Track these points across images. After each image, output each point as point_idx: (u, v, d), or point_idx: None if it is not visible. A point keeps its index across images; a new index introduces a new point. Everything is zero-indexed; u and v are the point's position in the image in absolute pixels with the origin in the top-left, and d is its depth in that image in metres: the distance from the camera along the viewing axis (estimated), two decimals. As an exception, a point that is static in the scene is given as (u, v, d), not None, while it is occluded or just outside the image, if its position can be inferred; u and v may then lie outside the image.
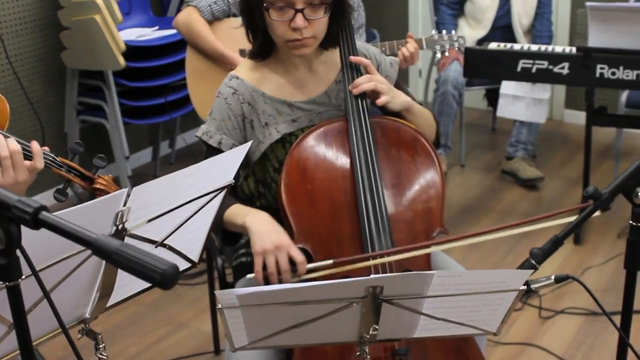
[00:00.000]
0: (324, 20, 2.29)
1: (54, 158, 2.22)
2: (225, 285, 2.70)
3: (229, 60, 3.71)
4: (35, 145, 2.11)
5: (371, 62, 2.40)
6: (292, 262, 2.16)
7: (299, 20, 2.23)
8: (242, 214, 2.25)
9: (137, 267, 1.13)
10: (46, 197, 4.39)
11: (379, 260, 2.17)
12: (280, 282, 2.13)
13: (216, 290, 3.19)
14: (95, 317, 1.80)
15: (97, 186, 2.29)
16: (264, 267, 2.15)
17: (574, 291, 3.76)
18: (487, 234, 2.13)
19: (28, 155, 2.10)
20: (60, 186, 2.25)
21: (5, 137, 2.07)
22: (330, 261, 2.17)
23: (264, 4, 2.26)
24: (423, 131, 2.43)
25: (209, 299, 3.39)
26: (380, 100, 2.34)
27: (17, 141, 2.08)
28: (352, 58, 2.38)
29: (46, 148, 2.19)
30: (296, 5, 2.23)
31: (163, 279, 1.11)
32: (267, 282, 2.15)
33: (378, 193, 2.24)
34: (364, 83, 2.34)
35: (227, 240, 2.44)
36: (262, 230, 2.18)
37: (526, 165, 5.09)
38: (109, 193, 2.23)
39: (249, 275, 2.19)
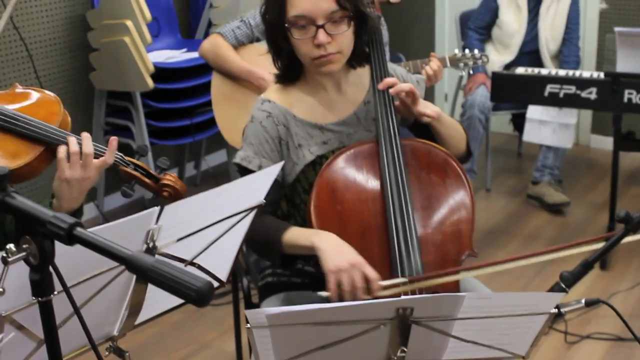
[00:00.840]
0: (347, 34, 2.28)
1: (122, 157, 2.25)
2: (250, 305, 2.69)
3: (257, 76, 3.71)
4: (113, 142, 2.16)
5: (398, 81, 2.39)
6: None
7: (322, 36, 2.23)
8: (306, 235, 2.23)
9: (172, 284, 1.13)
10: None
11: (455, 277, 2.18)
12: (355, 300, 2.10)
13: (241, 310, 3.20)
14: (123, 335, 1.80)
15: (165, 182, 2.30)
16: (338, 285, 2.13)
17: (601, 316, 3.73)
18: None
19: (99, 154, 2.15)
20: (128, 184, 2.28)
21: (79, 141, 2.12)
22: (405, 278, 2.16)
23: (286, 25, 2.26)
24: (454, 141, 2.44)
25: (234, 319, 3.38)
26: (416, 95, 2.32)
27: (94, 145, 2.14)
28: (379, 85, 2.36)
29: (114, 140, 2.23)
30: (317, 21, 2.23)
31: (198, 296, 1.11)
32: (341, 300, 2.12)
33: (408, 215, 2.23)
34: (400, 83, 2.33)
35: (284, 263, 2.42)
36: (334, 249, 2.16)
37: (552, 190, 5.07)
38: (176, 189, 2.27)
39: (323, 294, 2.15)
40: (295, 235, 2.26)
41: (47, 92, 2.29)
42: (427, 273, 2.18)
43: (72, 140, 2.11)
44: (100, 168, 2.14)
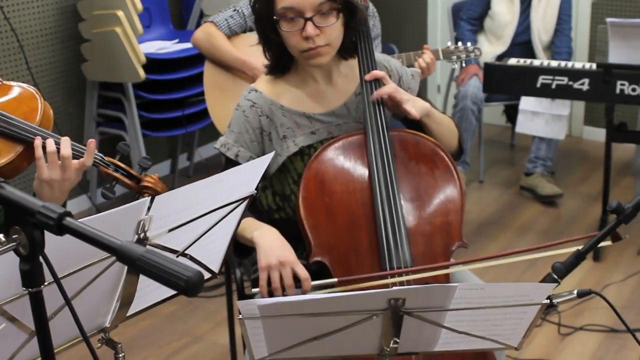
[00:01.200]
0: (336, 26, 2.27)
1: (102, 157, 2.24)
2: (244, 297, 2.68)
3: (251, 66, 3.70)
4: (91, 145, 2.13)
5: (387, 74, 2.39)
6: (297, 279, 2.16)
7: (310, 28, 2.22)
8: (252, 228, 2.25)
9: (162, 274, 1.13)
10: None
11: (389, 280, 2.17)
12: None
13: (234, 302, 3.20)
14: (115, 327, 1.79)
15: (145, 184, 2.29)
16: (269, 282, 2.16)
17: (593, 308, 3.73)
18: (507, 257, 2.12)
19: (78, 155, 2.13)
20: (108, 185, 2.26)
21: (57, 142, 2.10)
22: (335, 280, 2.17)
23: (274, 17, 2.26)
24: (445, 138, 2.43)
25: (227, 311, 3.37)
26: (396, 99, 2.32)
27: (73, 145, 2.12)
28: (367, 76, 2.37)
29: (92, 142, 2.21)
30: (305, 13, 2.22)
31: (188, 285, 1.11)
32: (271, 297, 2.15)
33: (396, 206, 2.23)
34: (383, 88, 2.34)
35: (238, 252, 2.44)
36: (268, 245, 2.19)
37: (545, 181, 5.07)
38: (156, 190, 2.26)
39: (254, 290, 2.20)
40: (245, 226, 2.27)
41: (26, 86, 2.27)
42: (356, 275, 2.19)
43: (50, 141, 2.09)
44: (80, 170, 2.12)
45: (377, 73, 2.36)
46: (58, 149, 2.08)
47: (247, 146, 2.36)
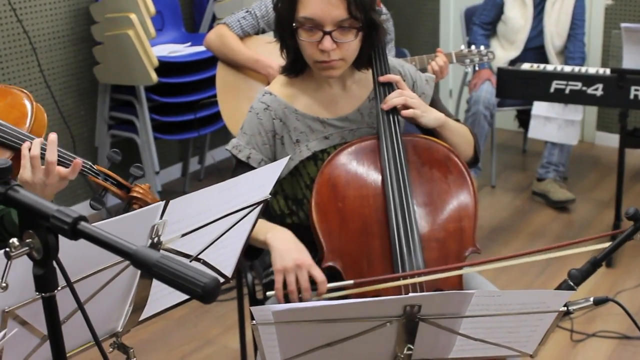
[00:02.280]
0: (353, 43, 2.26)
1: (91, 166, 2.22)
2: (255, 301, 2.67)
3: (265, 65, 3.69)
4: (77, 161, 2.11)
5: (402, 79, 2.38)
6: (312, 282, 2.14)
7: (327, 42, 2.21)
8: (264, 230, 2.23)
9: (178, 280, 1.11)
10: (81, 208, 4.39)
11: (403, 282, 2.15)
12: (300, 300, 2.12)
13: (245, 306, 3.19)
14: (127, 331, 1.78)
15: (134, 194, 2.27)
16: (285, 285, 2.14)
17: (606, 314, 3.71)
18: (520, 257, 2.10)
19: (65, 163, 2.11)
20: (97, 195, 2.24)
21: (44, 145, 2.09)
22: (351, 281, 2.15)
23: (294, 24, 2.25)
24: (460, 148, 2.41)
25: (238, 315, 3.36)
26: (408, 113, 2.30)
27: (60, 151, 2.10)
28: (381, 78, 2.36)
29: (81, 161, 2.19)
30: (325, 27, 2.21)
31: (205, 292, 1.09)
32: (286, 300, 2.13)
33: (409, 211, 2.21)
34: (393, 98, 2.32)
35: (247, 255, 2.42)
36: (284, 247, 2.17)
37: (557, 187, 5.05)
38: (146, 202, 2.24)
39: (269, 293, 2.18)
40: (257, 228, 2.23)
41: (19, 90, 2.25)
42: (373, 277, 2.17)
43: (36, 142, 2.07)
44: (63, 179, 2.09)
45: (391, 77, 2.35)
46: (43, 155, 2.06)
47: (259, 149, 2.35)
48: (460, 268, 2.23)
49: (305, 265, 2.13)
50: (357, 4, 2.19)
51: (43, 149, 2.07)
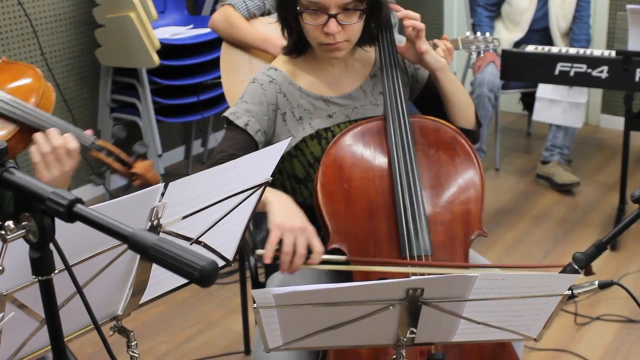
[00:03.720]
0: (358, 24, 2.26)
1: (93, 141, 2.20)
2: (258, 284, 2.66)
3: (274, 44, 3.65)
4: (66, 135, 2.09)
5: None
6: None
7: (332, 25, 2.20)
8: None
9: (175, 263, 1.09)
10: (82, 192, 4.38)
11: (398, 269, 2.13)
12: (290, 264, 2.05)
13: (248, 289, 3.18)
14: (127, 314, 1.76)
15: (135, 171, 2.25)
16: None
17: (611, 297, 3.70)
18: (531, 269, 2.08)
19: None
20: (99, 170, 2.23)
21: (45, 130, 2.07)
22: (344, 257, 2.12)
23: (298, 8, 2.23)
24: (460, 104, 2.42)
25: (240, 298, 3.36)
26: (420, 44, 2.33)
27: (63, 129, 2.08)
28: (399, 14, 2.36)
29: (89, 131, 2.18)
30: (329, 10, 2.20)
31: (202, 275, 1.07)
32: (274, 260, 2.05)
33: (416, 193, 2.19)
34: (417, 20, 2.33)
35: None
36: (288, 208, 2.11)
37: (562, 169, 5.03)
38: (146, 178, 2.21)
39: (258, 251, 2.07)
40: None
41: (30, 66, 2.23)
42: (367, 257, 2.15)
43: (40, 138, 2.04)
44: (73, 155, 2.07)
45: (410, 13, 2.35)
46: (50, 147, 2.03)
47: (258, 119, 2.32)
48: (465, 267, 2.21)
49: (309, 231, 2.07)
50: None
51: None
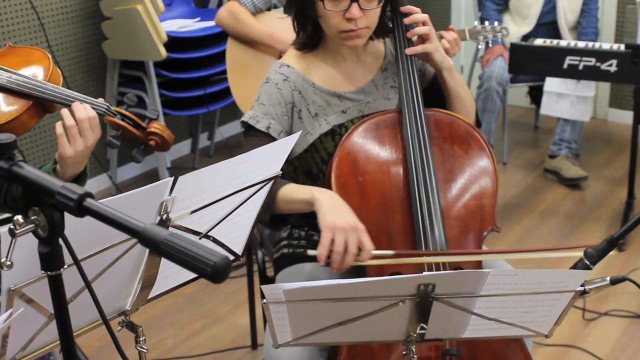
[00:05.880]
0: (377, 10, 2.24)
1: (108, 106, 2.20)
2: (265, 279, 2.65)
3: (280, 39, 3.64)
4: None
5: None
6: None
7: (355, 10, 2.19)
8: (307, 189, 2.16)
9: (187, 259, 1.07)
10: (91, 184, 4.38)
11: (434, 258, 2.11)
12: (341, 262, 2.03)
13: (255, 283, 3.17)
14: (135, 309, 1.76)
15: (152, 130, 2.24)
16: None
17: (619, 293, 3.68)
18: (551, 252, 2.06)
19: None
20: (113, 135, 2.22)
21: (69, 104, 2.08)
22: (392, 252, 2.10)
23: None
24: (463, 102, 2.41)
25: (248, 292, 3.34)
26: (426, 46, 2.33)
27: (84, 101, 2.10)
28: (406, 20, 2.35)
29: (101, 100, 2.18)
30: None
31: (214, 271, 1.05)
32: (327, 260, 2.03)
33: (432, 188, 2.17)
34: (420, 28, 2.33)
35: (274, 224, 2.37)
36: (336, 206, 2.08)
37: (570, 164, 5.00)
38: (163, 137, 2.21)
39: (311, 252, 2.06)
40: (293, 189, 2.19)
41: (39, 49, 2.24)
42: (417, 250, 2.13)
43: (65, 112, 2.05)
44: (95, 127, 2.07)
45: (417, 16, 2.35)
46: (74, 121, 2.04)
47: (279, 119, 2.30)
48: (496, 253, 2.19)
49: (359, 229, 2.04)
50: None
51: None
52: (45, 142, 4.68)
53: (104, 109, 2.18)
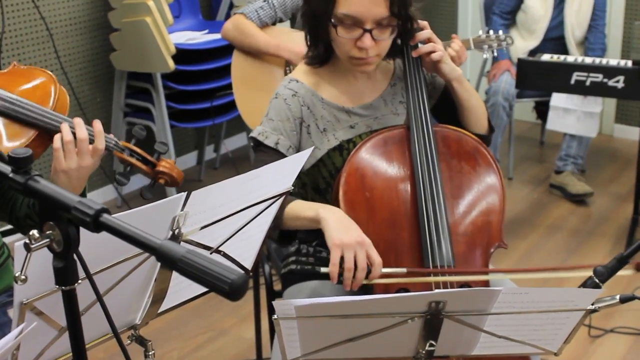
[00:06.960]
0: (390, 40, 2.25)
1: (116, 142, 2.20)
2: (272, 293, 2.65)
3: (287, 49, 3.64)
4: (97, 125, 2.11)
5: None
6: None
7: (367, 40, 2.19)
8: (313, 206, 2.17)
9: (205, 277, 1.07)
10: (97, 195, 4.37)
11: (446, 278, 2.12)
12: (353, 280, 2.04)
13: (261, 297, 3.16)
14: (145, 323, 1.76)
15: (160, 169, 2.25)
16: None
17: (624, 310, 3.67)
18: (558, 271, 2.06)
19: (92, 139, 2.11)
20: (123, 171, 2.22)
21: (71, 125, 2.08)
22: (404, 269, 2.10)
23: (332, 20, 2.21)
24: (475, 111, 2.41)
25: (253, 305, 3.34)
26: (434, 56, 2.34)
27: (87, 128, 2.10)
28: (414, 53, 2.35)
29: (111, 135, 2.18)
30: (365, 25, 2.18)
31: (232, 289, 1.05)
32: (339, 278, 2.04)
33: (440, 204, 2.17)
34: (425, 47, 2.35)
35: (282, 240, 2.37)
36: (342, 223, 2.08)
37: (575, 179, 5.00)
38: (172, 176, 2.22)
39: (323, 269, 2.06)
40: (299, 206, 2.20)
41: (43, 71, 2.24)
42: (426, 268, 2.13)
43: (65, 127, 2.06)
44: (95, 154, 2.08)
45: (423, 34, 2.36)
46: (73, 137, 2.05)
47: (287, 135, 2.30)
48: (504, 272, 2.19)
49: (367, 244, 2.04)
50: (399, 1, 2.18)
51: (72, 129, 2.06)
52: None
53: (112, 145, 2.18)
